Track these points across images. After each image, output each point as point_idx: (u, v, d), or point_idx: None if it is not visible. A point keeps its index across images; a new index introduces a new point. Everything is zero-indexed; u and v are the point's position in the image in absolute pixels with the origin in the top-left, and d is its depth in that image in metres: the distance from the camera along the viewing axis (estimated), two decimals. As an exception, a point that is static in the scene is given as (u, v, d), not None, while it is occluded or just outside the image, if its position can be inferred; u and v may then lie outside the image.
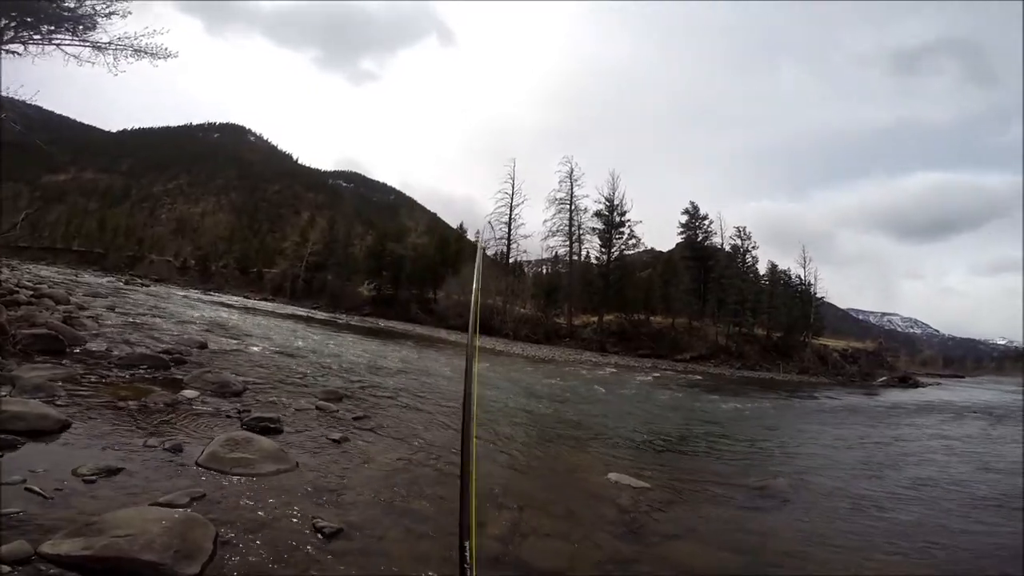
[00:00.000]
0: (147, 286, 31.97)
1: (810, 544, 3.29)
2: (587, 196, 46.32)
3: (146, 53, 12.72)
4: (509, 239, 47.40)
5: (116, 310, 11.81)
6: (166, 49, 12.92)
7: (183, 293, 31.77)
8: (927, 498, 4.68)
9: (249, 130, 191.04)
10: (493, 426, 6.16)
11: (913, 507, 4.35)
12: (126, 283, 30.58)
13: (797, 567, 2.93)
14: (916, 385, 30.65)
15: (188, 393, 5.01)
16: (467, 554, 1.36)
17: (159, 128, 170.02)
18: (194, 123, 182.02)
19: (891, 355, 44.09)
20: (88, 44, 12.29)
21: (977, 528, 3.89)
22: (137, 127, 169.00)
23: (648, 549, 3.04)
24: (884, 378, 32.71)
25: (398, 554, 2.55)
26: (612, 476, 4.44)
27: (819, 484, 4.94)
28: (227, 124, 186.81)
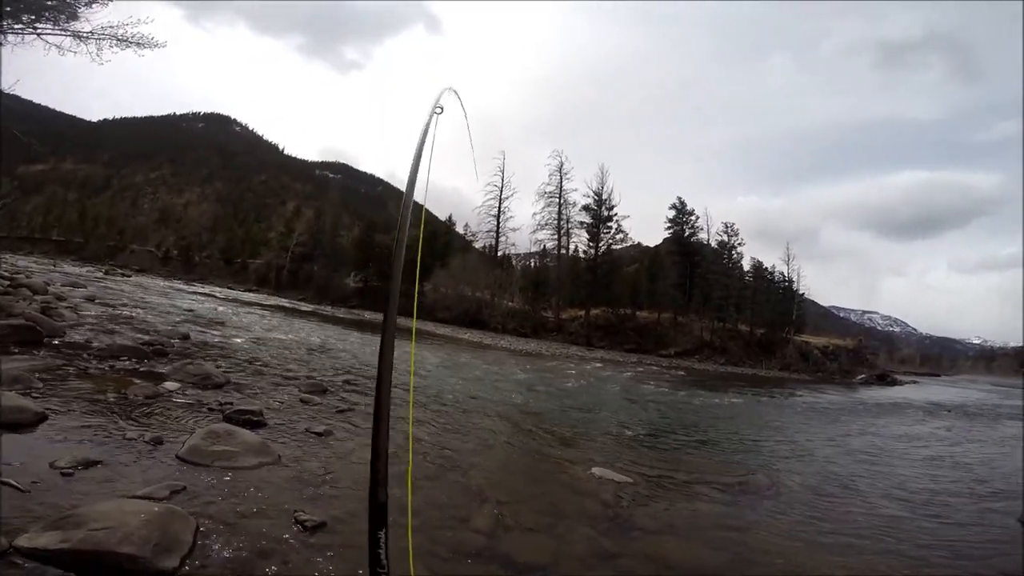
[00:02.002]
0: (128, 276, 31.45)
1: (789, 540, 3.34)
2: (576, 190, 46.62)
3: (130, 43, 12.47)
4: (498, 232, 47.51)
5: (96, 301, 11.62)
6: (152, 39, 12.68)
7: (165, 283, 31.31)
8: (902, 495, 4.77)
9: (234, 120, 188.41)
10: (481, 419, 6.19)
11: (888, 504, 4.44)
12: (106, 273, 30.05)
13: (777, 564, 2.96)
14: (894, 383, 31.24)
15: (169, 385, 4.96)
16: (381, 550, 1.16)
17: (142, 118, 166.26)
18: (178, 113, 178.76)
19: (870, 353, 44.73)
20: (69, 33, 12.03)
21: (946, 525, 3.97)
22: (119, 117, 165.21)
23: (630, 544, 3.06)
24: (863, 376, 33.28)
25: (381, 548, 2.54)
26: (596, 471, 4.48)
27: (797, 480, 5.01)
28: (211, 114, 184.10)
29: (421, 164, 1.62)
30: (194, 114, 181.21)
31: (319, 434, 4.31)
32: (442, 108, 1.73)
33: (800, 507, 4.13)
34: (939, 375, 63.93)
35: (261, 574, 2.13)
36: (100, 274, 28.08)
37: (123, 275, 32.08)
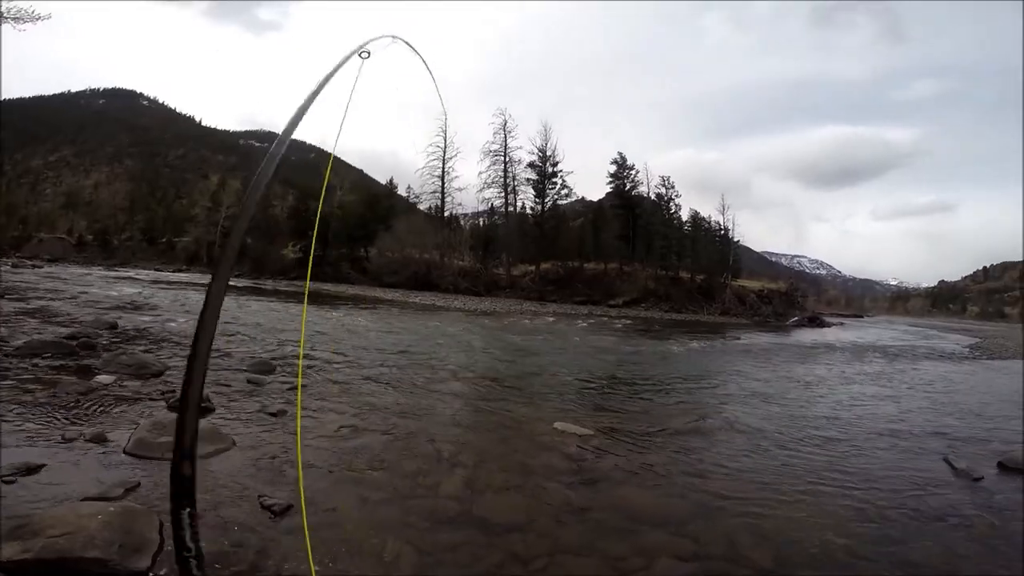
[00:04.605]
0: (39, 267, 28.99)
1: (744, 483, 3.51)
2: (520, 148, 46.61)
3: (6, 18, 11.14)
4: (443, 192, 46.90)
5: (6, 296, 10.66)
6: (32, 12, 11.37)
7: (84, 271, 29.09)
8: (843, 435, 5.01)
9: (141, 94, 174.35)
10: (440, 383, 6.19)
11: (832, 443, 4.65)
12: (14, 266, 27.51)
13: (736, 507, 3.09)
14: (823, 325, 33.09)
15: (103, 378, 4.68)
16: (184, 531, 1.01)
17: (31, 98, 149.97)
18: (73, 90, 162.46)
19: (801, 296, 47.49)
20: None
21: (885, 464, 4.18)
22: (3, 99, 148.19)
23: (597, 496, 3.15)
24: (796, 318, 35.25)
25: (355, 523, 2.52)
26: (558, 425, 4.57)
27: (745, 423, 5.24)
28: (114, 89, 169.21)
29: (342, 119, 1.49)
30: (92, 90, 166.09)
31: (273, 415, 4.18)
32: (369, 53, 1.52)
33: (750, 449, 4.34)
34: (862, 316, 68.54)
35: (238, 565, 2.07)
36: (7, 267, 25.70)
37: (34, 266, 29.53)
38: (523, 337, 13.31)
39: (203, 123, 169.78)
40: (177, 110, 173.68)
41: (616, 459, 3.85)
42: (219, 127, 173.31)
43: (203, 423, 3.53)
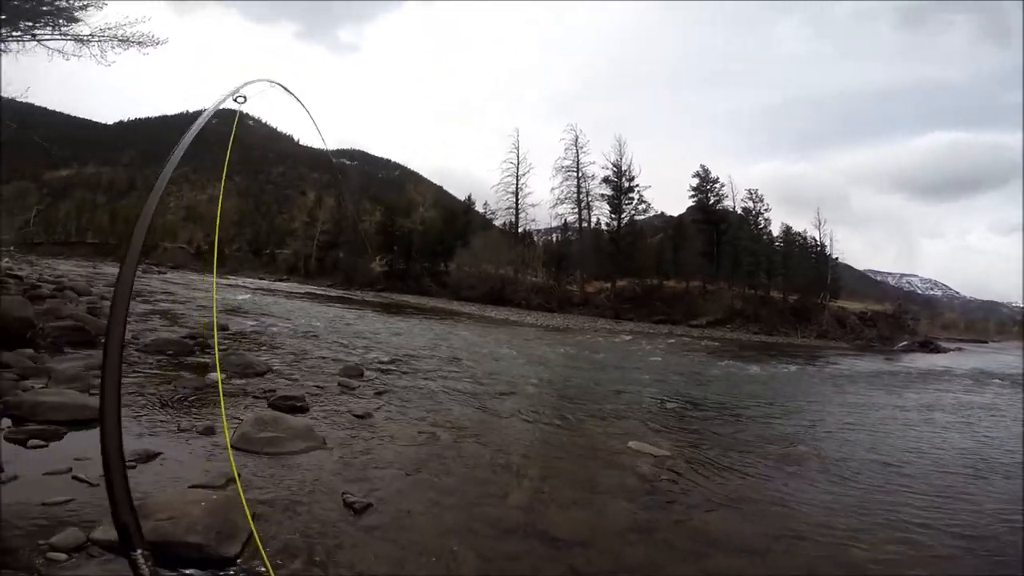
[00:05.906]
0: (164, 273, 32.53)
1: (834, 515, 3.26)
2: (594, 163, 46.17)
3: (132, 42, 12.61)
4: (517, 208, 47.54)
5: (137, 298, 12.05)
6: (153, 37, 12.81)
7: (200, 278, 32.22)
8: (951, 471, 4.56)
9: (247, 114, 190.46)
10: (513, 396, 6.26)
11: (936, 480, 4.25)
12: (143, 271, 31.04)
13: (822, 540, 2.89)
14: (938, 350, 29.28)
15: (214, 376, 5.16)
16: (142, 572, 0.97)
17: (156, 118, 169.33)
18: (190, 110, 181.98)
19: (911, 318, 42.77)
20: (70, 38, 12.20)
21: (1007, 502, 3.80)
22: (133, 118, 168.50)
23: (669, 518, 3.07)
24: (905, 343, 31.56)
25: (426, 527, 2.64)
26: (632, 444, 4.49)
27: (840, 453, 4.87)
28: (223, 110, 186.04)
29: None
30: (206, 110, 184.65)
31: (360, 417, 4.46)
32: (246, 97, 1.58)
33: (843, 481, 4.03)
34: (986, 341, 60.69)
35: (315, 557, 2.23)
36: (138, 273, 29.01)
37: (159, 272, 33.14)
38: (599, 355, 13.13)
39: (300, 142, 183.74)
40: (277, 129, 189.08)
41: (692, 482, 3.73)
42: (314, 146, 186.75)
43: (298, 421, 3.86)
